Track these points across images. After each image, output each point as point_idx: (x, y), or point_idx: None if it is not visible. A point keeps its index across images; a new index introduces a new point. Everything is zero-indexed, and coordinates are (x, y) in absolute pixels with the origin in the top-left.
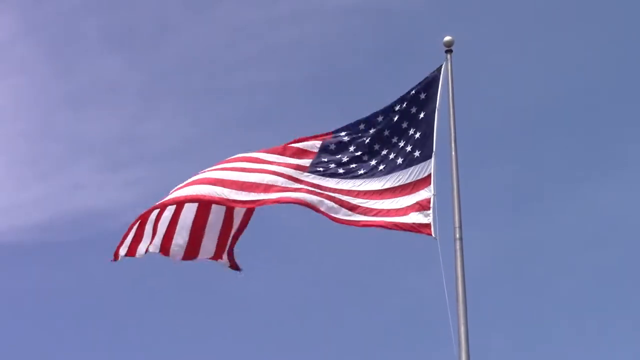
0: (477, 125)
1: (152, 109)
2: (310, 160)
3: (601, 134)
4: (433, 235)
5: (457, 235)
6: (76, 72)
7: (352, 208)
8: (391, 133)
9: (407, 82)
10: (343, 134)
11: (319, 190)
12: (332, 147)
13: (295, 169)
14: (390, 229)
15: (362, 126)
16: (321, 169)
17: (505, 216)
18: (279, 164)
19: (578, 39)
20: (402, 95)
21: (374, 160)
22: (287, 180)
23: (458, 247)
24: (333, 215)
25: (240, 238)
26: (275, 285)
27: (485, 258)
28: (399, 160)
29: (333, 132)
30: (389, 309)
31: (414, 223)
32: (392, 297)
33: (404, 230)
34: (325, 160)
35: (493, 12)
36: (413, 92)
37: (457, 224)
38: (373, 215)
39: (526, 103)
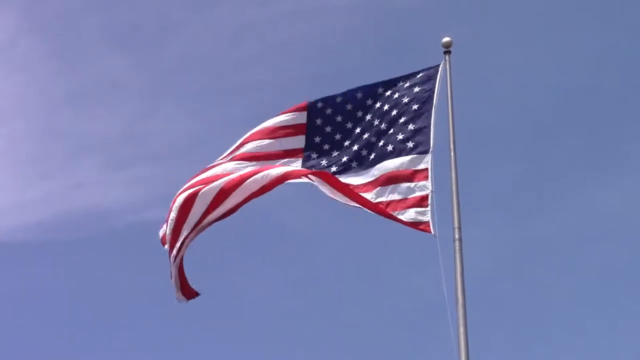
0: (478, 124)
1: (154, 108)
2: (300, 160)
3: (602, 133)
4: (432, 232)
5: (456, 236)
6: (78, 71)
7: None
8: (379, 121)
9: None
10: (327, 110)
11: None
12: (318, 139)
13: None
14: (390, 219)
15: (338, 99)
16: (314, 157)
17: (505, 216)
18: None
19: (578, 39)
20: (384, 80)
21: (364, 150)
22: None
23: (457, 247)
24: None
25: (240, 238)
26: (274, 285)
27: (486, 257)
28: (389, 148)
29: (309, 104)
30: (388, 309)
31: (413, 220)
32: (392, 297)
33: (404, 224)
34: (315, 156)
35: (493, 11)
36: (407, 83)
37: (456, 225)
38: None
39: (527, 103)
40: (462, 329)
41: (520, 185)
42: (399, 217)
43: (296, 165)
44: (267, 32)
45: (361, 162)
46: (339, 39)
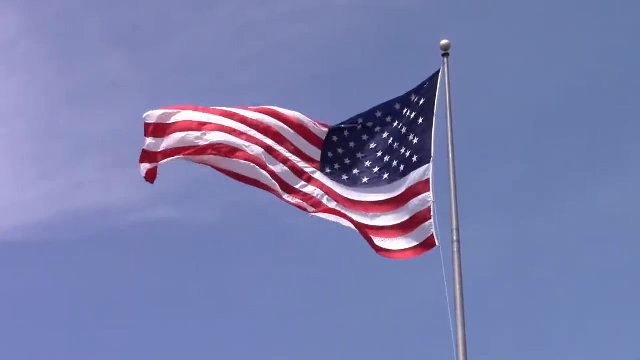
0: (479, 124)
1: (155, 107)
2: (320, 153)
3: (602, 133)
4: (437, 244)
5: (455, 238)
6: (79, 70)
7: (361, 226)
8: (392, 139)
9: (412, 80)
10: (344, 132)
11: (329, 197)
12: (336, 144)
13: (305, 160)
14: (402, 258)
15: (360, 120)
16: (329, 170)
17: (506, 216)
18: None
19: (578, 39)
20: (400, 96)
21: (376, 168)
22: (293, 175)
23: (456, 248)
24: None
25: (241, 238)
26: (274, 286)
27: (486, 257)
28: (402, 168)
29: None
30: (389, 309)
31: (421, 243)
32: (393, 298)
33: (415, 256)
34: (332, 159)
35: (493, 11)
36: (412, 97)
37: (454, 226)
38: (382, 236)
39: (527, 102)
40: (460, 330)
41: (521, 185)
42: (408, 246)
43: (312, 173)
44: (267, 32)
45: (372, 179)
46: (339, 39)
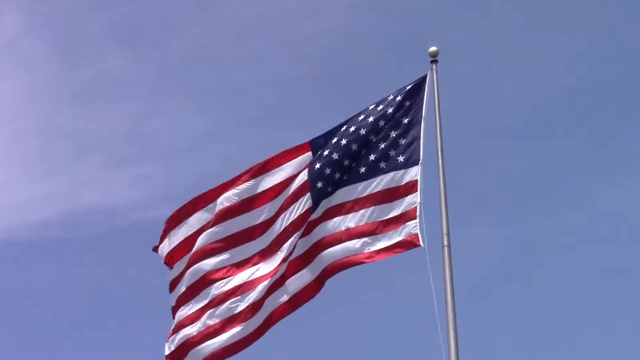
0: (481, 121)
1: (159, 106)
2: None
3: (603, 133)
4: (421, 244)
5: (445, 242)
6: (83, 69)
7: (340, 238)
8: (374, 137)
9: (414, 79)
10: (323, 144)
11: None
12: (319, 165)
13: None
14: (383, 258)
15: (336, 131)
16: (314, 199)
17: (507, 216)
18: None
19: (579, 39)
20: (379, 100)
21: (357, 164)
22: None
23: (446, 253)
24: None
25: None
26: None
27: (488, 257)
28: (382, 164)
29: (309, 142)
30: (380, 313)
31: (403, 240)
32: (384, 302)
33: (397, 254)
34: (320, 185)
35: (495, 10)
36: (397, 98)
37: (444, 231)
38: (362, 238)
39: (532, 101)
40: (452, 333)
41: (522, 185)
42: (390, 243)
43: (307, 200)
44: (271, 30)
45: (353, 175)
46: (346, 36)
